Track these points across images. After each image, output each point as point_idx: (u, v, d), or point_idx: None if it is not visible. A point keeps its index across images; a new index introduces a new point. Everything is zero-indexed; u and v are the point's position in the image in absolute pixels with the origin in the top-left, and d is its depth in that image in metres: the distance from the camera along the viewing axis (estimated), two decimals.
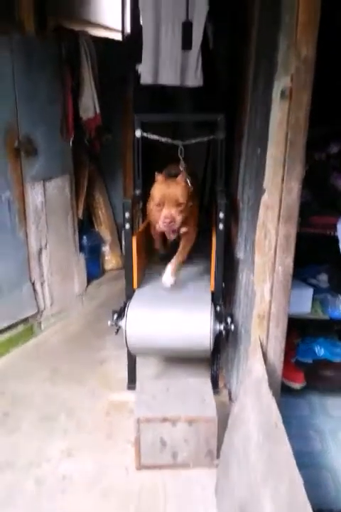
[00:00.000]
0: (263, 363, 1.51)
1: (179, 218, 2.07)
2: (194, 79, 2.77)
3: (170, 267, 2.30)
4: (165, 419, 1.87)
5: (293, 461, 1.08)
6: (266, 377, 1.43)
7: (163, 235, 2.44)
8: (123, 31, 4.78)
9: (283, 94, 1.42)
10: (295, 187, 1.42)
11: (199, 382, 2.09)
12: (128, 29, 4.63)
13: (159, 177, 2.18)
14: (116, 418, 2.32)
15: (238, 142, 2.55)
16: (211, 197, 2.93)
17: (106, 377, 2.70)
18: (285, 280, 1.52)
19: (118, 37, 4.60)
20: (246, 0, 2.54)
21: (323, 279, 2.28)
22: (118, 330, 2.16)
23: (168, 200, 2.06)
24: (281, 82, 1.46)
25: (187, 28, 2.45)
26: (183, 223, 2.21)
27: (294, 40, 1.34)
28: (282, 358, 1.62)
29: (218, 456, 1.90)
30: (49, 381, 2.69)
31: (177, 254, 2.37)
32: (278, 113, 1.48)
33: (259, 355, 1.56)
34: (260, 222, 1.66)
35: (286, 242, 1.48)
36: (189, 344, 2.07)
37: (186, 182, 2.18)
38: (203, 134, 2.54)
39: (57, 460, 2.06)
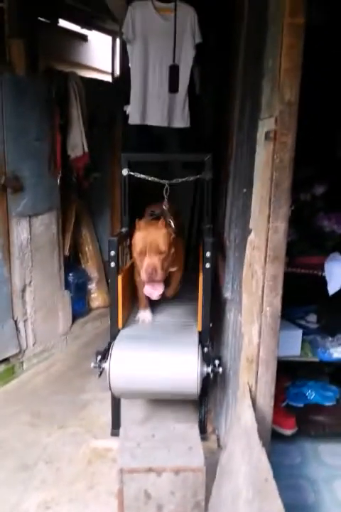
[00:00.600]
0: (252, 410, 1.44)
1: (162, 266, 2.03)
2: (181, 120, 2.84)
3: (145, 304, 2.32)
4: (150, 470, 1.76)
5: None
6: (255, 425, 1.36)
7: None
8: (113, 73, 4.91)
9: (267, 135, 1.43)
10: (281, 227, 1.41)
11: (186, 428, 1.99)
12: (117, 72, 4.77)
13: (141, 223, 2.15)
14: (99, 467, 2.19)
15: (224, 182, 2.57)
16: (198, 236, 2.93)
17: (89, 422, 2.59)
18: (274, 322, 1.48)
19: (108, 78, 4.71)
20: (231, 44, 2.63)
21: (312, 319, 2.25)
22: (101, 372, 2.07)
23: (149, 249, 2.03)
24: (265, 124, 1.48)
25: (173, 71, 2.50)
26: (171, 263, 2.18)
27: (277, 84, 1.36)
28: (272, 404, 1.55)
29: (206, 509, 1.79)
30: (29, 425, 2.57)
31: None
32: (263, 154, 1.49)
33: (248, 401, 1.49)
34: (247, 262, 1.63)
35: (274, 282, 1.45)
36: (175, 387, 1.99)
37: (168, 227, 2.16)
38: (190, 174, 2.55)
39: None
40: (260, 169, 1.50)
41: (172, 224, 2.25)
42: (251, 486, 1.22)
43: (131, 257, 2.57)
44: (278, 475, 1.27)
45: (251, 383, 1.56)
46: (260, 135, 1.53)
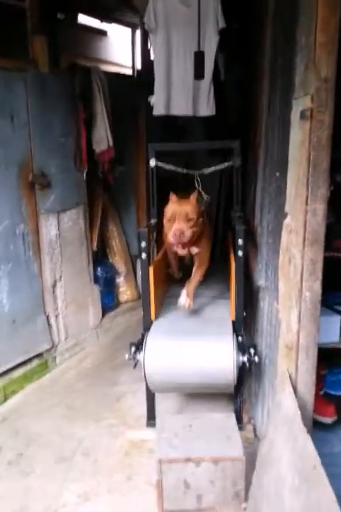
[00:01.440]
0: (294, 397, 1.40)
1: (189, 232, 2.12)
2: (206, 108, 2.78)
3: (185, 290, 2.30)
4: (188, 460, 1.75)
5: (337, 509, 0.97)
6: (298, 412, 1.32)
7: (177, 256, 2.47)
8: (133, 67, 4.90)
9: (303, 114, 1.38)
10: (320, 208, 1.36)
11: (223, 418, 1.98)
12: (138, 65, 4.75)
13: (173, 197, 2.25)
14: (136, 458, 2.20)
15: (253, 168, 2.52)
16: (225, 225, 2.89)
17: (124, 414, 2.60)
18: (314, 307, 1.43)
19: (128, 72, 4.71)
20: (255, 27, 2.57)
21: None
22: (136, 364, 2.07)
23: (178, 216, 2.13)
24: (300, 103, 1.43)
25: (199, 57, 2.46)
26: (196, 243, 2.26)
27: (313, 61, 1.31)
28: (313, 392, 1.51)
29: (246, 499, 1.77)
30: (64, 419, 2.60)
31: (192, 276, 2.38)
32: (298, 134, 1.43)
33: (289, 389, 1.45)
34: (283, 247, 1.59)
35: (313, 267, 1.40)
36: (211, 378, 1.97)
37: (198, 202, 2.25)
38: (215, 163, 2.53)
39: (74, 505, 1.94)
40: (296, 150, 1.45)
41: (204, 197, 2.40)
42: (298, 474, 1.18)
43: (158, 251, 2.59)
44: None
45: (291, 371, 1.52)
46: (294, 115, 1.48)
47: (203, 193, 2.50)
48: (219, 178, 3.82)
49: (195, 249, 2.32)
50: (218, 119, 2.86)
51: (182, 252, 2.22)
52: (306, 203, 1.36)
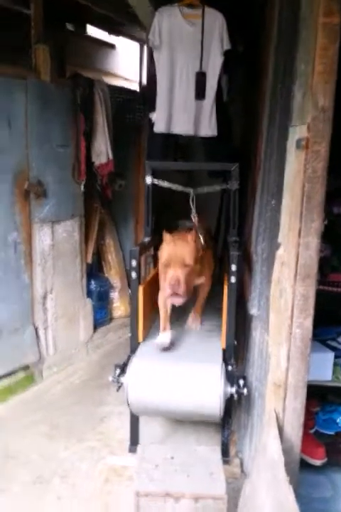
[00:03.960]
0: (279, 441, 1.32)
1: (184, 281, 1.93)
2: (207, 129, 2.75)
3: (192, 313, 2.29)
4: (167, 495, 1.66)
5: None
6: (282, 459, 1.24)
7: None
8: (140, 81, 4.89)
9: (299, 144, 1.32)
10: (312, 242, 1.29)
11: (207, 451, 1.88)
12: (144, 80, 4.75)
13: (167, 236, 2.07)
14: (116, 486, 2.10)
15: (252, 193, 2.47)
16: (224, 248, 2.83)
17: (107, 436, 2.51)
18: (304, 345, 1.36)
19: (135, 86, 4.70)
20: (259, 51, 2.54)
21: None
22: (119, 387, 1.99)
23: (174, 261, 1.95)
24: (297, 132, 1.37)
25: (200, 78, 2.43)
26: (199, 274, 2.14)
27: (310, 89, 1.26)
28: (300, 433, 1.43)
29: None
30: (46, 437, 2.51)
31: (196, 301, 2.32)
32: (293, 163, 1.38)
33: (274, 431, 1.37)
34: (275, 278, 1.52)
35: (304, 303, 1.33)
36: (196, 408, 1.88)
37: (196, 240, 2.09)
38: (217, 184, 2.47)
39: None
40: (290, 180, 1.40)
41: (201, 238, 2.19)
42: None
43: (155, 268, 2.51)
44: (307, 510, 1.15)
45: (278, 410, 1.44)
46: (290, 143, 1.43)
47: (194, 217, 2.38)
48: (220, 200, 3.77)
49: (198, 281, 2.20)
50: (219, 140, 2.82)
51: (177, 302, 2.00)
52: (299, 236, 1.30)
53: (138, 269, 2.07)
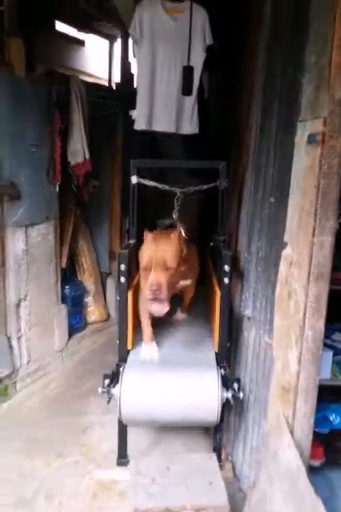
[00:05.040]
0: (294, 449, 1.27)
1: (167, 285, 1.76)
2: (189, 126, 2.69)
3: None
4: (168, 510, 1.58)
5: None
6: (303, 469, 1.19)
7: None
8: (110, 79, 4.79)
9: (312, 138, 1.28)
10: (327, 241, 1.26)
11: (203, 459, 1.83)
12: (114, 77, 4.65)
13: (148, 236, 1.91)
14: (106, 502, 2.00)
15: (235, 191, 2.42)
16: (204, 247, 2.76)
17: (91, 449, 2.39)
18: (316, 347, 1.32)
19: (105, 84, 4.59)
20: (242, 50, 2.52)
21: (338, 338, 2.09)
22: (110, 399, 1.88)
23: (155, 264, 1.78)
24: (308, 126, 1.34)
25: (188, 72, 2.36)
26: (184, 276, 2.00)
27: (327, 82, 1.22)
28: (310, 438, 1.39)
29: None
30: (24, 453, 2.36)
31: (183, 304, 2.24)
32: (304, 160, 1.34)
33: (288, 438, 1.32)
34: (281, 280, 1.48)
35: (317, 304, 1.30)
36: (194, 414, 1.82)
37: (180, 239, 1.93)
38: (194, 182, 2.39)
39: None
40: (301, 177, 1.36)
41: (183, 234, 2.03)
42: None
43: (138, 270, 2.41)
44: None
45: (288, 415, 1.40)
46: (300, 139, 1.39)
47: (175, 214, 2.26)
48: (198, 199, 3.72)
49: (184, 283, 2.06)
50: (198, 137, 2.77)
51: (158, 310, 1.80)
52: (313, 235, 1.26)
53: (126, 274, 1.97)
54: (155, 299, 1.77)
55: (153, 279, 1.75)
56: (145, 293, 1.80)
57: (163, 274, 1.77)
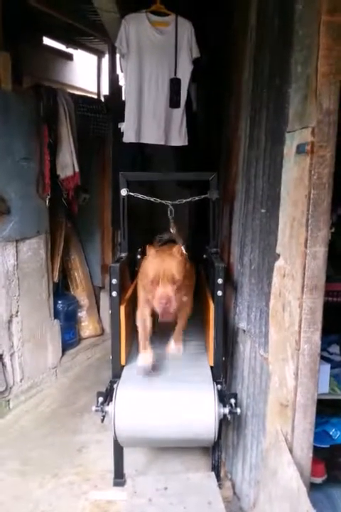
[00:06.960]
0: (294, 468, 1.23)
1: (175, 297, 1.78)
2: (178, 138, 2.68)
3: (172, 339, 2.10)
4: None
5: None
6: (304, 490, 1.15)
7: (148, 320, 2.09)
8: (98, 93, 4.80)
9: (300, 149, 1.27)
10: (320, 251, 1.24)
11: (201, 478, 1.79)
12: (103, 92, 4.66)
13: (151, 251, 1.92)
14: None
15: (227, 202, 2.41)
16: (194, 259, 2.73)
17: (87, 469, 2.34)
18: (313, 361, 1.29)
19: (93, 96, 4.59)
20: (228, 61, 2.52)
21: (335, 351, 2.05)
22: (104, 417, 1.84)
23: (163, 278, 1.79)
24: (296, 137, 1.32)
25: (175, 84, 2.35)
26: (185, 290, 1.96)
27: (314, 91, 1.21)
28: (310, 456, 1.35)
29: None
30: (18, 474, 2.30)
31: (178, 322, 2.13)
32: (293, 170, 1.33)
33: (287, 456, 1.28)
34: (275, 292, 1.45)
35: (312, 316, 1.27)
36: (190, 432, 1.77)
37: (182, 253, 1.93)
38: (185, 194, 2.37)
39: None
40: (291, 187, 1.34)
41: (183, 250, 2.00)
42: None
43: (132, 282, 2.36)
44: None
45: (286, 431, 1.37)
46: (289, 149, 1.37)
47: (173, 229, 2.25)
48: (189, 207, 3.71)
49: (183, 298, 2.00)
50: (187, 149, 2.76)
51: (167, 318, 1.83)
52: (305, 246, 1.24)
53: (118, 288, 1.93)
54: (165, 313, 1.78)
55: (163, 293, 1.77)
56: (155, 306, 1.81)
57: (171, 287, 1.78)
